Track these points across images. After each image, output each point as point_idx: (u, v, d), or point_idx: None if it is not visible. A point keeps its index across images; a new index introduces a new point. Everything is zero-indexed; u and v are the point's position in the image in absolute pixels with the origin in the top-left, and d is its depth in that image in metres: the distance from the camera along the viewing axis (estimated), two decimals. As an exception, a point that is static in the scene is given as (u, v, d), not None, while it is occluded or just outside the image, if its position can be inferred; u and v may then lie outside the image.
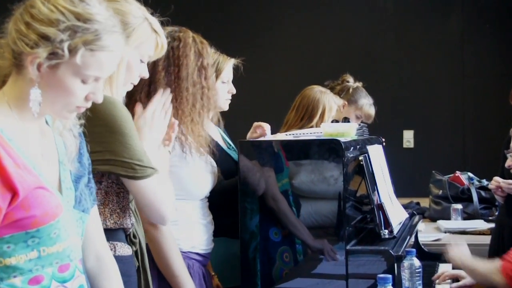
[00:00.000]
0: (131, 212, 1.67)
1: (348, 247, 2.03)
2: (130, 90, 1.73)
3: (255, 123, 2.46)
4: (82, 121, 1.34)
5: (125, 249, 1.64)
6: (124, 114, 1.58)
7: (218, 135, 2.41)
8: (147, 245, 1.83)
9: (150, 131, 1.69)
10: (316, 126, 2.90)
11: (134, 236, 1.69)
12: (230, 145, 2.41)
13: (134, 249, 1.67)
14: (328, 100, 3.02)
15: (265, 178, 2.09)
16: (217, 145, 2.29)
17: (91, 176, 1.41)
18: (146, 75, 1.70)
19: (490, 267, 2.16)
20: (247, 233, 2.11)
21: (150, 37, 1.66)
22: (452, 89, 4.83)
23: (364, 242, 2.10)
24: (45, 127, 1.32)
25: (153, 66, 1.85)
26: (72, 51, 1.19)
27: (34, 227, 1.21)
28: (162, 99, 1.77)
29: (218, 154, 2.20)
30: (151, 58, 1.71)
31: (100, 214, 1.55)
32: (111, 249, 1.55)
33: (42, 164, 1.26)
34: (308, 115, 2.99)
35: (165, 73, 1.88)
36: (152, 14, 1.71)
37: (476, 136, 4.77)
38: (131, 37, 1.62)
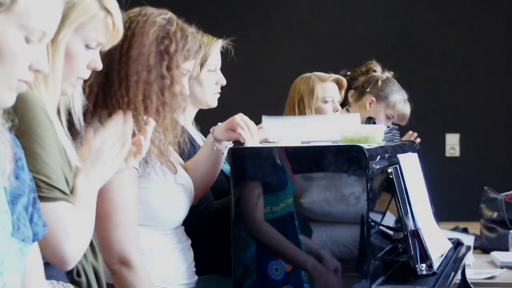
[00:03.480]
0: None
1: (374, 287, 2.02)
2: (80, 86, 1.73)
3: (234, 121, 2.39)
4: (15, 122, 1.34)
5: None
6: (37, 114, 1.57)
7: (200, 140, 2.42)
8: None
9: (93, 166, 1.68)
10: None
11: (78, 274, 1.66)
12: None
13: None
14: (307, 83, 3.10)
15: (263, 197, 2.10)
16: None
17: (36, 195, 1.40)
18: (98, 65, 1.70)
19: None
20: (240, 268, 2.11)
21: (96, 17, 1.67)
22: (508, 83, 4.81)
23: (395, 281, 2.11)
24: None
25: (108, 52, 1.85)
26: None
27: None
28: (118, 124, 1.76)
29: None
30: (104, 45, 1.71)
31: None
32: None
33: None
34: (292, 108, 3.12)
35: (114, 51, 1.86)
36: None
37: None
38: (70, 16, 1.62)
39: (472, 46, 4.86)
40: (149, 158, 1.93)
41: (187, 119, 2.44)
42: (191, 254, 2.12)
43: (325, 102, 3.12)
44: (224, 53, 2.44)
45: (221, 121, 2.21)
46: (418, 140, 3.48)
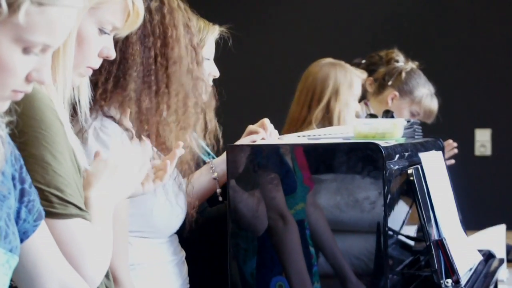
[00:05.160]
0: None
1: (392, 305, 2.05)
2: (89, 77, 1.73)
3: (250, 127, 2.43)
4: (13, 118, 1.35)
5: None
6: (46, 115, 1.57)
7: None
8: None
9: (108, 181, 1.68)
10: (331, 113, 2.89)
11: None
12: (209, 154, 2.44)
13: None
14: (345, 73, 2.99)
15: (268, 202, 2.10)
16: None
17: (23, 186, 1.40)
18: (111, 53, 1.70)
19: None
20: (237, 285, 2.11)
21: None
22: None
23: (416, 298, 2.11)
24: None
25: (124, 40, 1.86)
26: (13, 5, 1.21)
27: None
28: (145, 150, 1.79)
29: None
30: (119, 31, 1.71)
31: None
32: None
33: None
34: (316, 100, 2.95)
35: (141, 47, 1.88)
36: None
37: None
38: None
39: (506, 29, 4.83)
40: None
41: None
42: (185, 268, 2.13)
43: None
44: (218, 43, 2.44)
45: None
46: (455, 151, 3.44)
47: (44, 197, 1.53)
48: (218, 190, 2.25)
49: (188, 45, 1.98)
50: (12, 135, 1.44)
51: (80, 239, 1.58)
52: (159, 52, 1.93)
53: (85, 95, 1.75)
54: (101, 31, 1.67)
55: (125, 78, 1.88)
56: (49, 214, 1.54)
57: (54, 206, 1.54)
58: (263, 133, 2.31)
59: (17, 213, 1.38)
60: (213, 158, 2.43)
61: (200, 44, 2.34)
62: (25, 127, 1.52)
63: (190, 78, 1.97)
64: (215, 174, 2.24)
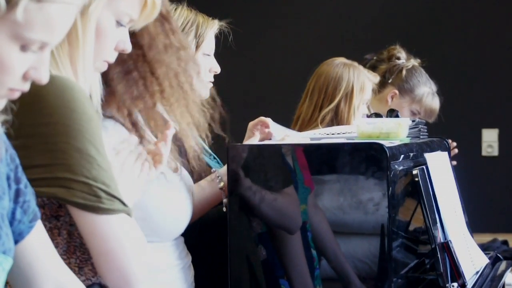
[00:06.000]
0: None
1: (396, 309, 2.04)
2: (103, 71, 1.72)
3: (251, 123, 2.43)
4: (8, 117, 1.33)
5: None
6: (87, 108, 1.57)
7: None
8: None
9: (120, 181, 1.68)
10: (340, 116, 2.85)
11: None
12: (210, 154, 2.45)
13: None
14: (358, 75, 2.95)
15: (269, 203, 2.10)
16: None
17: (18, 187, 1.39)
18: (127, 47, 1.69)
19: None
20: None
21: None
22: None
23: (422, 302, 2.11)
24: None
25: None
26: (11, 1, 1.20)
27: None
28: (132, 145, 1.77)
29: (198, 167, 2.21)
30: (135, 23, 1.71)
31: None
32: None
33: None
34: (327, 101, 2.91)
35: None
36: None
37: None
38: None
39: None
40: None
41: None
42: (191, 273, 2.11)
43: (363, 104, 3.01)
44: (218, 38, 2.45)
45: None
46: (456, 151, 3.42)
47: (93, 192, 1.55)
48: (225, 200, 2.22)
49: (156, 21, 1.92)
50: (46, 126, 1.48)
51: (126, 235, 1.61)
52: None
53: (97, 91, 1.74)
54: (118, 23, 1.67)
55: (110, 84, 1.85)
56: (97, 209, 1.57)
57: (102, 201, 1.56)
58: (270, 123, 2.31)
59: (12, 214, 1.38)
60: (215, 158, 2.42)
61: (199, 37, 2.34)
62: (67, 119, 1.53)
63: (171, 52, 1.92)
64: (222, 184, 2.21)
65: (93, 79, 1.71)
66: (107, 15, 1.65)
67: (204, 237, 2.28)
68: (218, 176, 2.22)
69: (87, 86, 1.65)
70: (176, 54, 1.93)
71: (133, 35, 1.85)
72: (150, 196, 1.94)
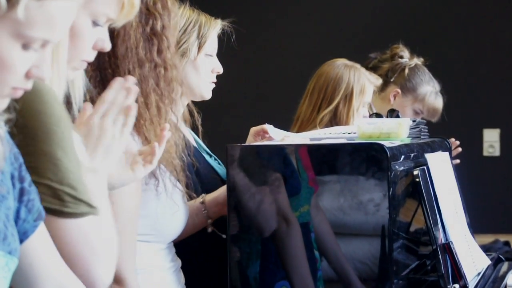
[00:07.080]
0: None
1: (397, 311, 2.04)
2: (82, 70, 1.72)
3: (253, 129, 2.43)
4: (12, 116, 1.35)
5: None
6: (56, 110, 1.56)
7: (192, 139, 2.40)
8: None
9: (96, 151, 1.66)
10: (339, 118, 2.86)
11: None
12: (210, 155, 2.44)
13: None
14: (358, 77, 2.95)
15: (270, 204, 2.10)
16: (198, 153, 2.31)
17: (22, 185, 1.40)
18: (106, 45, 1.68)
19: None
20: None
21: None
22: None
23: (422, 303, 2.08)
24: None
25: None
26: (12, 0, 1.21)
27: None
28: (120, 92, 1.72)
29: (199, 167, 2.21)
30: (114, 21, 1.70)
31: None
32: None
33: None
34: (326, 102, 2.91)
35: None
36: None
37: None
38: None
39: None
40: (158, 170, 1.92)
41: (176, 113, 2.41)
42: (182, 276, 2.12)
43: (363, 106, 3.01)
44: (221, 38, 2.43)
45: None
46: (459, 150, 3.42)
47: (57, 196, 1.53)
48: (209, 221, 2.23)
49: (146, 33, 1.92)
50: (19, 129, 1.45)
51: (92, 238, 1.59)
52: (113, 56, 1.89)
53: (79, 88, 1.74)
54: (95, 23, 1.66)
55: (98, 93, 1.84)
56: (61, 214, 1.55)
57: (67, 205, 1.54)
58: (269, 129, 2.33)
59: (16, 213, 1.38)
60: (215, 159, 2.44)
61: (201, 37, 2.33)
62: (35, 122, 1.53)
63: (149, 69, 1.91)
64: (209, 221, 2.21)
65: (74, 78, 1.70)
66: (83, 16, 1.64)
67: (203, 239, 2.27)
68: (204, 210, 2.21)
69: (62, 86, 1.64)
70: (154, 72, 1.92)
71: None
72: (155, 197, 1.96)
